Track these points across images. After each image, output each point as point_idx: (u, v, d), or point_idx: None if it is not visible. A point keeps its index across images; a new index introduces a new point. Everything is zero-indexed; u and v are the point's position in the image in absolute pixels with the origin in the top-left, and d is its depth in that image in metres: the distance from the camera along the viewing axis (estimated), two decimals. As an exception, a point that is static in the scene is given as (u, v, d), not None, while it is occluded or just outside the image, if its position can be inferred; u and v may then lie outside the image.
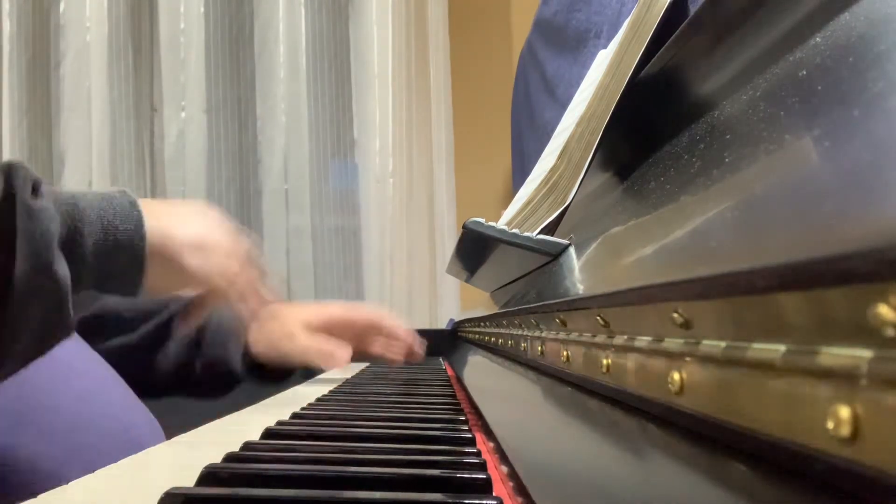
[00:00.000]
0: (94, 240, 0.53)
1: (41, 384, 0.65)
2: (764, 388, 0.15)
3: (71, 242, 0.52)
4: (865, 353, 0.12)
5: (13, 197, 0.48)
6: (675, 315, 0.19)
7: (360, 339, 0.97)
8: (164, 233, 0.57)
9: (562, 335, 0.35)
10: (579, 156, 0.54)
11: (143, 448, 0.45)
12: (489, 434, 0.42)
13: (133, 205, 0.57)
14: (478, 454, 0.36)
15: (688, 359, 0.19)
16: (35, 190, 0.51)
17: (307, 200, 1.94)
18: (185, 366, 0.87)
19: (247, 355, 0.88)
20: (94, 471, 0.37)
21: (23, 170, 0.51)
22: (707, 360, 0.18)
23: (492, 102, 1.95)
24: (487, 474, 0.31)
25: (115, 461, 0.39)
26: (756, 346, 0.15)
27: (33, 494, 0.31)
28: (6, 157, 1.85)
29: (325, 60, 2.00)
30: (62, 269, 0.50)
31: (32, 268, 0.48)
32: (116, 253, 0.54)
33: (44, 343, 0.51)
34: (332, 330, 0.93)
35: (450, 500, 0.29)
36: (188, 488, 0.30)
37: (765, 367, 0.15)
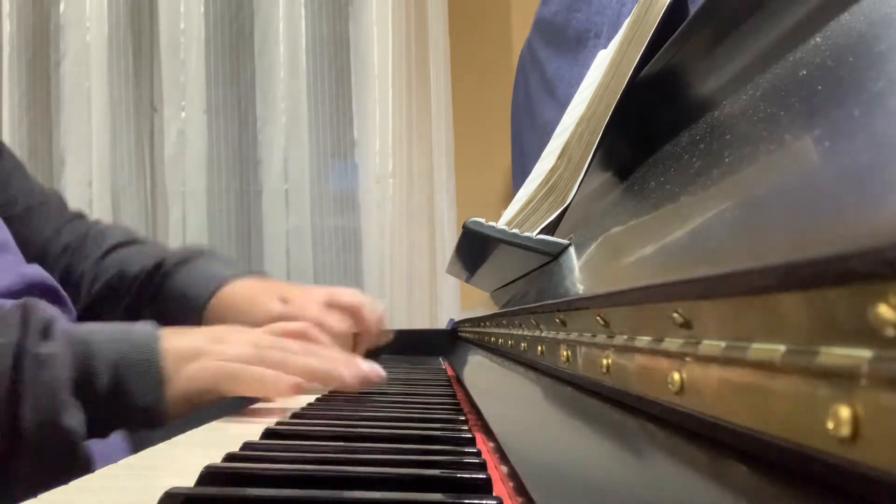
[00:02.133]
0: (108, 378, 0.52)
1: None
2: (764, 388, 0.15)
3: (84, 384, 0.51)
4: (865, 353, 0.12)
5: (23, 346, 0.48)
6: (675, 315, 0.19)
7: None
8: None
9: (562, 335, 0.35)
10: (579, 156, 0.54)
11: (143, 447, 0.44)
12: (489, 434, 0.42)
13: (153, 337, 0.55)
14: (478, 454, 0.36)
15: (688, 359, 0.19)
16: (47, 332, 0.51)
17: (307, 200, 1.94)
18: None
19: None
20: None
21: (37, 311, 0.51)
22: (707, 360, 0.18)
23: (492, 102, 1.95)
24: (487, 474, 0.31)
25: (115, 461, 0.39)
26: (756, 346, 0.15)
27: (33, 494, 0.31)
28: (6, 157, 1.85)
29: (325, 60, 2.00)
30: (72, 418, 0.49)
31: (40, 420, 0.48)
32: (132, 390, 0.53)
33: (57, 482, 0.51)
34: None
35: (450, 500, 0.29)
36: (188, 488, 0.29)
37: (765, 367, 0.15)
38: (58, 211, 0.88)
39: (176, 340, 0.56)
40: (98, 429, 0.53)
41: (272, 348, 0.59)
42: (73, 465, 0.50)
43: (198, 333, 0.60)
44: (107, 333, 0.54)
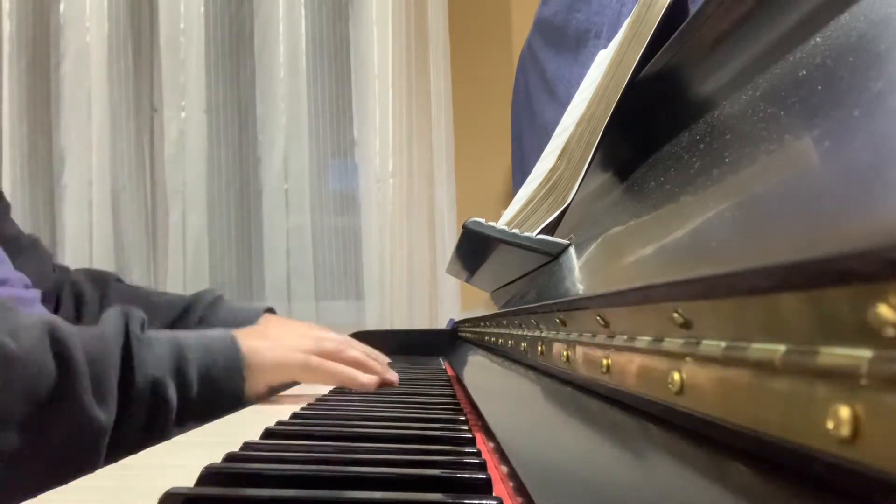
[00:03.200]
0: (198, 366, 0.61)
1: None
2: (764, 388, 0.15)
3: (178, 370, 0.60)
4: (865, 353, 0.12)
5: (130, 329, 0.58)
6: (675, 315, 0.19)
7: None
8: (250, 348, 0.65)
9: (562, 335, 0.35)
10: (579, 156, 0.54)
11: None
12: (489, 434, 0.42)
13: (231, 336, 0.65)
14: (478, 454, 0.36)
15: (688, 359, 0.19)
16: (144, 326, 0.61)
17: (307, 200, 1.94)
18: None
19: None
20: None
21: (134, 311, 0.61)
22: (707, 360, 0.18)
23: (492, 102, 1.95)
24: (487, 474, 0.31)
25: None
26: (756, 346, 0.15)
27: (33, 494, 0.31)
28: (6, 157, 1.85)
29: (325, 60, 2.00)
30: (170, 390, 0.58)
31: (148, 387, 0.57)
32: (219, 378, 0.62)
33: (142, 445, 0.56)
34: None
35: (450, 500, 0.29)
36: (188, 488, 0.30)
37: (765, 367, 0.15)
38: (43, 258, 0.90)
39: (252, 339, 0.66)
40: (186, 414, 0.60)
41: (327, 341, 0.70)
42: (167, 435, 0.55)
43: (266, 329, 0.72)
44: (191, 334, 0.65)
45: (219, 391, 0.62)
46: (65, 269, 0.92)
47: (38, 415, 0.50)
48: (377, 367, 0.71)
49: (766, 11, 0.31)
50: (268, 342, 0.67)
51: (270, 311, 0.91)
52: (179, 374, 0.60)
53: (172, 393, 0.58)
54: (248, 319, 0.83)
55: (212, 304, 0.89)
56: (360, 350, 0.72)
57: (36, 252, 0.88)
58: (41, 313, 0.61)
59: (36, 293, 0.78)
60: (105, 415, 0.53)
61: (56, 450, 0.51)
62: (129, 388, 0.56)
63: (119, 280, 0.95)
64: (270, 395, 0.70)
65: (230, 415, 0.60)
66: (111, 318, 0.60)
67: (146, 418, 0.57)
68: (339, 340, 0.72)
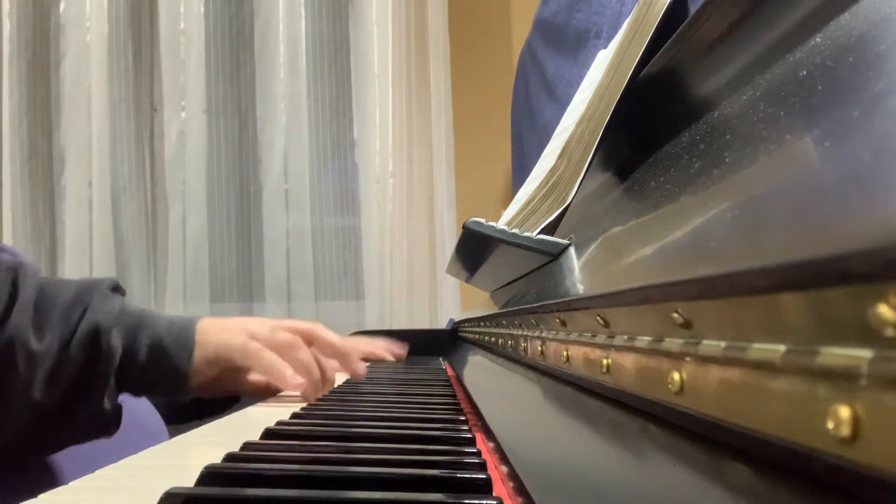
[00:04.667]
0: (151, 331, 0.63)
1: None
2: (764, 388, 0.15)
3: (131, 329, 0.62)
4: (865, 353, 0.12)
5: (99, 286, 0.63)
6: (675, 315, 0.19)
7: None
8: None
9: (562, 335, 0.35)
10: (579, 156, 0.54)
11: (151, 444, 0.45)
12: (489, 434, 0.42)
13: (191, 317, 0.67)
14: (478, 454, 0.36)
15: (688, 359, 0.19)
16: (116, 289, 0.65)
17: (307, 200, 1.94)
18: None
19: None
20: (101, 466, 0.37)
21: (115, 281, 0.66)
22: (707, 360, 0.18)
23: (492, 102, 1.95)
24: (487, 474, 0.31)
25: (124, 457, 0.40)
26: (756, 346, 0.15)
27: (33, 494, 0.31)
28: (6, 157, 1.85)
29: (325, 60, 2.00)
30: (115, 340, 0.60)
31: (91, 331, 0.60)
32: (168, 344, 0.64)
33: (79, 395, 0.60)
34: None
35: (450, 501, 0.29)
36: (188, 488, 0.30)
37: (765, 367, 0.15)
38: None
39: (210, 319, 0.68)
40: (131, 376, 0.62)
41: (282, 332, 0.69)
42: (106, 383, 0.59)
43: (227, 318, 0.71)
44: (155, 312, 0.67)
45: (165, 360, 0.63)
46: None
47: None
48: (315, 377, 0.67)
49: (766, 11, 0.31)
50: (223, 323, 0.67)
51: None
52: (131, 333, 0.62)
53: (116, 343, 0.60)
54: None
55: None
56: (324, 342, 0.70)
57: None
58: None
59: None
60: (40, 345, 0.57)
61: None
62: (73, 327, 0.59)
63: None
64: (238, 389, 0.71)
65: (230, 415, 0.60)
66: (86, 278, 0.66)
67: (85, 359, 0.59)
68: (294, 336, 0.68)
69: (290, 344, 0.67)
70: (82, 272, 1.85)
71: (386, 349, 1.04)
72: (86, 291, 0.61)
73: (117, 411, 0.62)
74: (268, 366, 0.65)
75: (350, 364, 0.72)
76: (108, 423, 0.61)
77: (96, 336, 0.60)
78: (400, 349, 1.06)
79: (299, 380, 0.65)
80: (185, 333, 0.64)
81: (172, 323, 0.65)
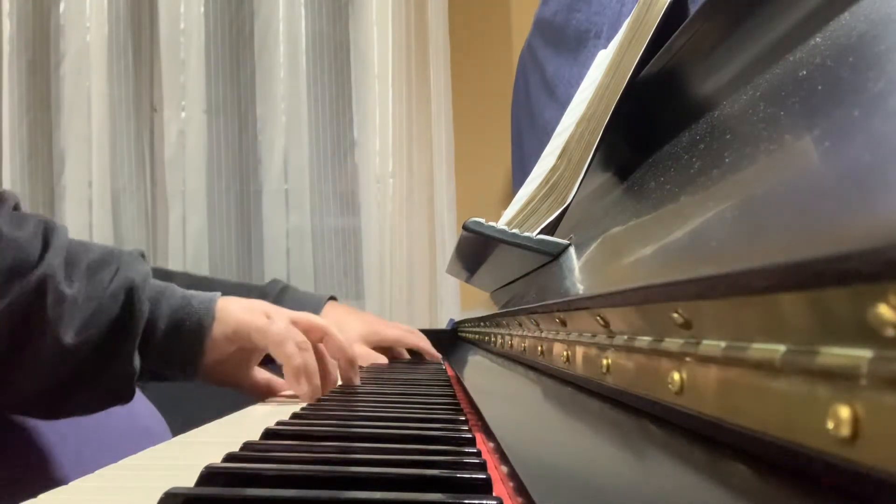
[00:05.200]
0: (176, 300, 0.64)
1: None
2: (764, 388, 0.15)
3: (158, 297, 0.64)
4: (865, 353, 0.12)
5: (124, 251, 0.64)
6: (675, 315, 0.19)
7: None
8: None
9: (562, 335, 0.35)
10: (579, 156, 0.54)
11: (152, 444, 0.45)
12: (489, 434, 0.42)
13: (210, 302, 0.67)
14: (478, 454, 0.36)
15: (688, 359, 0.19)
16: (144, 256, 0.67)
17: (307, 200, 1.94)
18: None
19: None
20: (104, 465, 0.37)
21: (136, 250, 0.67)
22: (707, 360, 0.18)
23: (492, 102, 1.94)
24: (487, 474, 0.31)
25: (125, 456, 0.40)
26: (756, 346, 0.15)
27: (33, 494, 0.31)
28: (6, 156, 1.85)
29: (325, 60, 2.00)
30: (144, 305, 0.61)
31: (126, 287, 0.61)
32: (190, 313, 0.65)
33: (110, 350, 0.61)
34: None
35: (450, 501, 0.29)
36: (188, 488, 0.30)
37: (765, 367, 0.15)
38: None
39: (231, 297, 0.68)
40: (151, 348, 0.63)
41: (297, 335, 0.68)
42: (136, 338, 0.61)
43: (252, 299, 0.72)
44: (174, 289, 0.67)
45: (182, 331, 0.63)
46: None
47: (7, 282, 0.56)
48: (316, 382, 0.66)
49: (766, 11, 0.31)
50: (244, 303, 0.68)
51: (333, 298, 1.00)
52: (154, 301, 0.63)
53: (145, 306, 0.61)
54: (311, 307, 0.86)
55: (280, 294, 0.97)
56: (338, 344, 0.70)
57: None
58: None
59: None
60: (69, 289, 0.58)
61: (18, 308, 0.56)
62: (108, 278, 0.61)
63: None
64: (240, 382, 0.70)
65: (230, 415, 0.60)
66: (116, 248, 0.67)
67: (117, 314, 0.60)
68: (305, 339, 0.67)
69: (301, 344, 0.67)
70: (82, 272, 1.85)
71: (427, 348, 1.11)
72: (115, 252, 0.63)
73: (135, 374, 0.62)
74: (286, 354, 0.64)
75: (348, 371, 0.72)
76: (129, 388, 0.62)
77: (130, 292, 0.61)
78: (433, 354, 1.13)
79: (303, 389, 0.64)
80: (205, 306, 0.65)
81: (192, 297, 0.65)
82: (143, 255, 0.67)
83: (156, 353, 0.63)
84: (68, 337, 0.57)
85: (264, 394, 0.72)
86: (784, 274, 0.14)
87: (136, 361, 0.61)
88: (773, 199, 0.18)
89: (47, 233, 0.59)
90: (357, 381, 0.73)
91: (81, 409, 0.63)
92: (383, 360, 1.04)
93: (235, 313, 0.66)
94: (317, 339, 0.68)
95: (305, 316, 0.70)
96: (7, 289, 0.56)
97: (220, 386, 0.72)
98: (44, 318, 0.57)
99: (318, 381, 0.65)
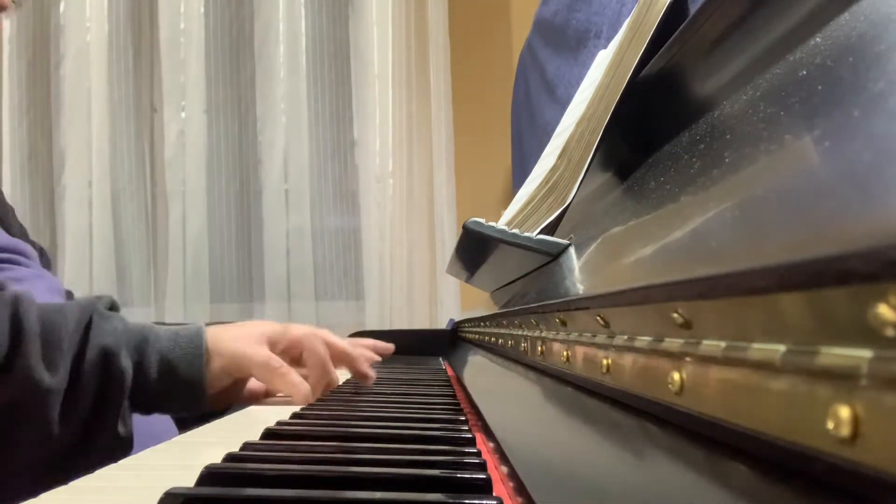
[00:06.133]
0: (159, 347, 0.62)
1: None
2: (764, 388, 0.15)
3: (139, 345, 0.61)
4: (865, 353, 0.12)
5: (95, 308, 0.61)
6: (675, 315, 0.19)
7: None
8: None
9: (562, 335, 0.35)
10: (579, 156, 0.54)
11: (145, 447, 0.45)
12: (489, 434, 0.42)
13: (198, 325, 0.66)
14: (478, 454, 0.36)
15: (688, 359, 0.19)
16: (113, 307, 0.65)
17: (307, 200, 1.94)
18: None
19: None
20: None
21: (103, 297, 0.64)
22: (707, 360, 0.18)
23: (492, 102, 1.95)
24: (487, 474, 0.31)
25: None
26: (756, 346, 0.15)
27: (33, 494, 0.31)
28: (6, 156, 1.85)
29: (325, 60, 2.00)
30: (126, 360, 0.59)
31: (101, 355, 0.58)
32: (179, 357, 0.62)
33: (95, 423, 0.59)
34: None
35: (450, 501, 0.29)
36: (188, 488, 0.30)
37: (765, 367, 0.15)
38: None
39: (217, 327, 0.67)
40: (145, 394, 0.60)
41: (294, 328, 0.69)
42: (121, 405, 0.58)
43: (236, 325, 0.70)
44: (164, 327, 0.65)
45: (178, 373, 0.61)
46: None
47: None
48: (330, 375, 0.69)
49: (766, 11, 0.31)
50: (232, 331, 0.66)
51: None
52: (139, 351, 0.61)
53: (126, 364, 0.59)
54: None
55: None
56: (329, 342, 0.70)
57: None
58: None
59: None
60: (53, 379, 0.55)
61: (4, 410, 0.54)
62: (81, 355, 0.58)
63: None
64: (236, 399, 0.69)
65: (230, 415, 0.60)
66: (81, 299, 0.64)
67: (98, 386, 0.58)
68: (307, 329, 0.70)
69: (307, 336, 0.68)
70: (82, 272, 1.85)
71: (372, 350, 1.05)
72: (84, 314, 0.60)
73: (131, 433, 0.61)
74: (288, 385, 0.64)
75: (357, 367, 0.72)
76: (123, 447, 0.60)
77: (106, 360, 0.58)
78: (385, 346, 1.06)
79: (307, 396, 0.65)
80: (193, 342, 0.63)
81: (178, 335, 0.63)
82: (112, 306, 0.65)
83: (152, 400, 0.62)
84: (54, 426, 0.56)
85: (261, 399, 0.72)
86: (784, 274, 0.14)
87: (124, 426, 0.59)
88: (773, 199, 0.18)
89: (16, 316, 0.56)
90: (373, 375, 0.73)
91: (72, 478, 0.61)
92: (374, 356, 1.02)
93: (230, 344, 0.64)
94: (297, 352, 0.69)
95: (297, 331, 0.69)
96: None
97: (219, 407, 0.70)
98: (30, 414, 0.55)
99: (305, 388, 0.65)
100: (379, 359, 1.02)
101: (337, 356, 0.70)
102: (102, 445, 0.58)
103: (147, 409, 0.63)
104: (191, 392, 0.62)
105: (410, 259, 1.90)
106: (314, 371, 0.69)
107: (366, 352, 0.87)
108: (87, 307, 0.60)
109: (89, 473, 0.60)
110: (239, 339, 0.65)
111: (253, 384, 0.71)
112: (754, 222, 0.18)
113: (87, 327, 0.59)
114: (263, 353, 0.64)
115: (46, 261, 0.95)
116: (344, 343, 0.72)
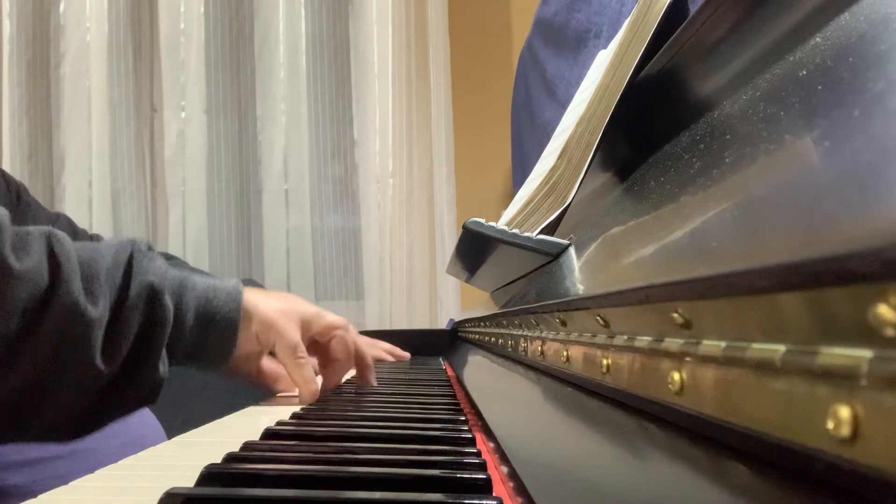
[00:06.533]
0: (197, 296, 0.62)
1: None
2: (764, 388, 0.15)
3: (179, 290, 0.61)
4: (865, 353, 0.12)
5: (137, 246, 0.59)
6: (675, 315, 0.19)
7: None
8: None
9: (562, 335, 0.35)
10: (579, 156, 0.54)
11: (146, 447, 0.45)
12: (489, 434, 0.42)
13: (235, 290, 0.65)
14: (478, 454, 0.36)
15: (688, 359, 0.19)
16: (151, 247, 0.62)
17: (307, 200, 1.94)
18: None
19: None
20: (96, 469, 0.37)
21: (144, 240, 0.63)
22: (707, 360, 0.18)
23: (492, 102, 1.95)
24: (487, 474, 0.31)
25: (119, 460, 0.40)
26: (756, 346, 0.15)
27: (33, 494, 0.31)
28: (6, 157, 1.85)
29: (325, 60, 2.00)
30: (167, 299, 0.58)
31: (145, 292, 0.57)
32: (218, 305, 0.62)
33: (138, 361, 0.58)
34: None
35: (450, 500, 0.29)
36: (188, 488, 0.30)
37: (765, 367, 0.15)
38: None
39: (258, 292, 0.67)
40: (180, 342, 0.60)
41: (330, 315, 0.71)
42: (163, 343, 0.58)
43: (277, 295, 0.70)
44: (199, 275, 0.65)
45: (213, 325, 0.61)
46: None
47: (31, 316, 0.52)
48: (349, 362, 0.71)
49: (766, 12, 0.31)
50: (273, 300, 0.67)
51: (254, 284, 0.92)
52: (177, 295, 0.60)
53: (169, 304, 0.58)
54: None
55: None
56: (356, 340, 0.72)
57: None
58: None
59: None
60: (95, 310, 0.55)
61: (48, 342, 0.52)
62: (125, 289, 0.57)
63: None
64: (247, 371, 0.69)
65: (229, 415, 0.60)
66: (115, 239, 0.62)
67: (142, 320, 0.57)
68: (342, 319, 0.71)
69: (340, 325, 0.69)
70: (82, 272, 1.85)
71: (388, 352, 1.08)
72: (122, 252, 0.59)
73: (164, 378, 0.60)
74: (301, 378, 0.65)
75: (365, 374, 0.73)
76: (155, 393, 0.60)
77: (152, 297, 0.58)
78: (402, 354, 1.11)
79: (304, 395, 0.65)
80: (231, 298, 0.63)
81: (218, 289, 0.63)
82: (150, 247, 0.64)
83: (185, 349, 0.62)
84: (98, 360, 0.55)
85: (270, 386, 0.72)
86: (784, 274, 0.14)
87: (163, 367, 0.59)
88: (773, 199, 0.18)
89: (54, 251, 0.55)
90: (374, 383, 0.74)
91: (107, 422, 0.61)
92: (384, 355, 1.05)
93: (270, 315, 0.64)
94: (328, 339, 0.70)
95: (331, 321, 0.71)
96: (31, 326, 0.52)
97: (231, 377, 0.70)
98: (74, 347, 0.54)
99: (315, 387, 0.65)
100: (392, 359, 1.04)
101: (354, 356, 0.71)
102: (140, 386, 0.58)
103: (179, 357, 0.62)
104: (222, 346, 0.62)
105: (410, 259, 1.90)
106: (339, 359, 0.70)
107: (380, 352, 0.88)
108: (125, 245, 0.60)
109: (125, 416, 0.60)
110: (279, 312, 0.65)
111: (267, 365, 0.71)
112: (754, 222, 0.18)
113: (129, 264, 0.58)
114: (295, 335, 0.65)
115: (26, 201, 0.96)
116: (365, 347, 0.73)
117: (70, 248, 0.56)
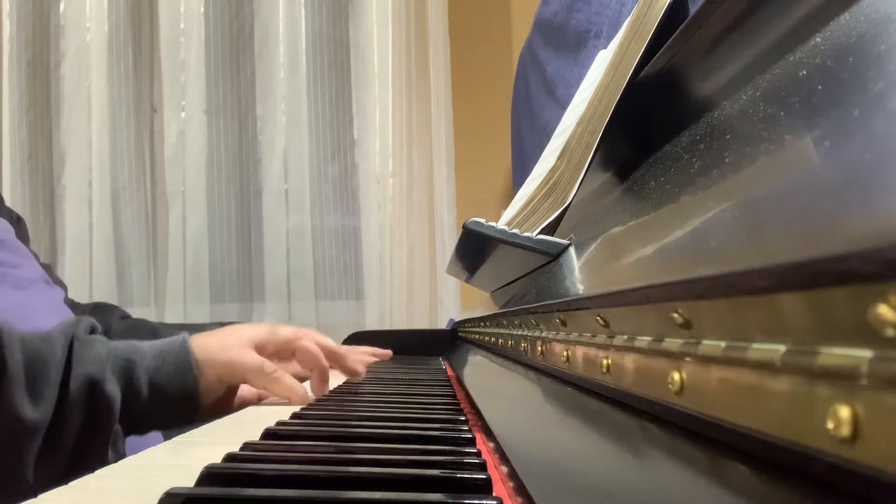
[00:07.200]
0: (147, 364, 0.61)
1: None
2: (764, 388, 0.15)
3: (125, 366, 0.59)
4: (865, 353, 0.12)
5: (76, 335, 0.58)
6: (675, 315, 0.19)
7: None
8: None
9: (562, 335, 0.35)
10: (579, 156, 0.54)
11: (145, 447, 0.45)
12: (489, 434, 0.42)
13: (183, 337, 0.64)
14: (478, 454, 0.36)
15: (688, 359, 0.19)
16: (94, 330, 0.62)
17: (307, 200, 1.94)
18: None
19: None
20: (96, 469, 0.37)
21: (84, 319, 0.62)
22: (707, 360, 0.18)
23: (492, 102, 1.95)
24: (487, 474, 0.31)
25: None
26: (756, 346, 0.15)
27: (34, 494, 0.31)
28: (6, 157, 1.85)
29: (325, 60, 2.00)
30: (111, 386, 0.57)
31: (85, 384, 0.56)
32: (169, 373, 0.61)
33: (81, 455, 0.56)
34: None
35: (450, 501, 0.29)
36: (188, 488, 0.30)
37: (765, 367, 0.15)
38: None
39: (201, 336, 0.65)
40: (138, 416, 0.59)
41: (283, 328, 0.70)
42: (110, 434, 0.56)
43: (221, 333, 0.68)
44: (147, 342, 0.64)
45: (169, 390, 0.60)
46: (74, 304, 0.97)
47: None
48: (326, 371, 0.69)
49: (766, 11, 0.31)
50: (219, 339, 0.65)
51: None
52: (126, 373, 0.59)
53: (113, 390, 0.57)
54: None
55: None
56: (318, 342, 0.71)
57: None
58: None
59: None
60: (37, 413, 0.53)
61: None
62: (65, 385, 0.55)
63: (125, 315, 1.01)
64: (228, 409, 0.68)
65: (229, 415, 0.60)
66: (62, 324, 0.60)
67: (84, 416, 0.56)
68: (295, 329, 0.70)
69: (296, 336, 0.68)
70: (82, 272, 1.85)
71: (370, 353, 1.08)
72: (66, 341, 0.57)
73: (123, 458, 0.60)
74: (283, 388, 0.64)
75: (347, 365, 0.72)
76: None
77: (92, 388, 0.56)
78: (383, 353, 1.12)
79: (306, 396, 0.65)
80: (181, 357, 0.62)
81: (164, 351, 0.62)
82: (93, 329, 0.62)
83: (146, 421, 0.61)
84: (39, 461, 0.53)
85: (256, 402, 0.72)
86: (784, 274, 0.14)
87: (117, 449, 0.58)
88: (773, 200, 0.18)
89: None
90: (362, 371, 0.73)
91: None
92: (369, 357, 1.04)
93: (221, 354, 0.63)
94: (290, 353, 0.69)
95: (284, 332, 0.69)
96: None
97: (215, 418, 0.70)
98: (13, 452, 0.52)
99: (302, 390, 0.65)
100: (374, 359, 1.03)
101: (327, 354, 0.70)
102: (93, 469, 0.57)
103: (141, 430, 0.62)
104: (185, 406, 0.61)
105: (410, 259, 1.90)
106: (311, 368, 0.69)
107: (361, 355, 0.87)
108: (67, 333, 0.58)
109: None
110: (229, 347, 0.64)
111: (244, 391, 0.71)
112: (754, 222, 0.18)
113: (69, 357, 0.56)
114: (256, 358, 0.64)
115: (24, 232, 0.96)
116: (331, 341, 0.72)
117: (13, 343, 0.54)
